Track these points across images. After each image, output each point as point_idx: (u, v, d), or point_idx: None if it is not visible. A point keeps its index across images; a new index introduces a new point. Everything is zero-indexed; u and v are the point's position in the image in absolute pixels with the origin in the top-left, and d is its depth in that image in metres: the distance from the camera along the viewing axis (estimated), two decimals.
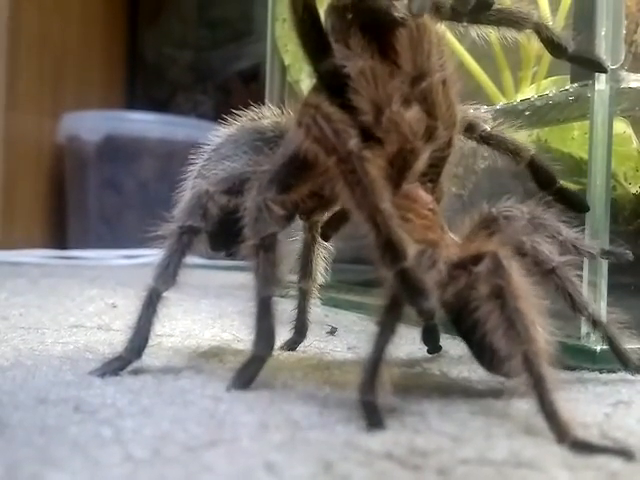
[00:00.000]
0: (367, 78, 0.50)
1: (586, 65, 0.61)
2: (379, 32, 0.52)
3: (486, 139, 0.61)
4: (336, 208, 0.58)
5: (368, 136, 0.50)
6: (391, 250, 0.44)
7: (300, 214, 0.58)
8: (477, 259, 0.47)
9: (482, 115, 0.60)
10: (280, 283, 0.52)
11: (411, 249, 0.45)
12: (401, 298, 0.44)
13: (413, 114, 0.50)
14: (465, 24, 0.56)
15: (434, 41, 0.51)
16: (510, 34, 0.57)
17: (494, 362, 0.49)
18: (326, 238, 0.62)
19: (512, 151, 0.61)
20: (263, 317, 0.51)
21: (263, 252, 0.51)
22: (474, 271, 0.47)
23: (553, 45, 0.58)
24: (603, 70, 0.61)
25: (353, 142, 0.46)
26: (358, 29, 0.52)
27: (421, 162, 0.52)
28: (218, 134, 0.60)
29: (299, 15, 0.51)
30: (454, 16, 0.54)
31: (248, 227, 0.52)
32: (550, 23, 0.57)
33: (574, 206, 0.62)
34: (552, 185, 0.61)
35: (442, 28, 0.54)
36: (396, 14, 0.52)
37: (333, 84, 0.52)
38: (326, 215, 0.60)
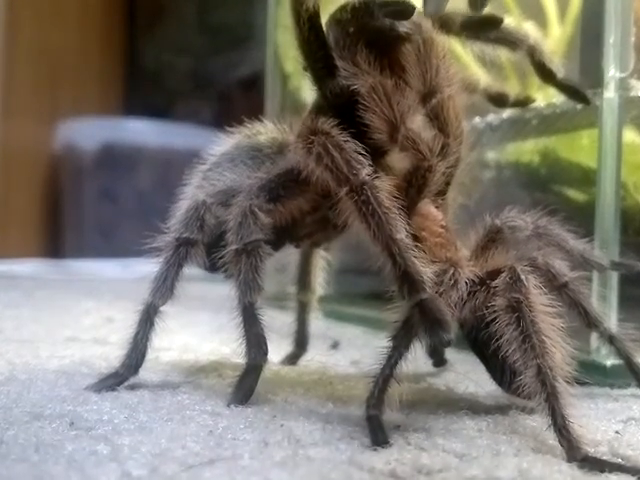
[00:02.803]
0: (379, 95, 0.50)
1: (571, 94, 0.62)
2: (385, 48, 0.52)
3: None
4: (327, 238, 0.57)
5: (380, 155, 0.50)
6: (409, 282, 0.44)
7: (290, 239, 0.57)
8: (495, 274, 0.48)
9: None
10: (262, 290, 0.51)
11: (429, 272, 0.45)
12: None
13: (428, 131, 0.50)
14: (464, 40, 0.56)
15: (441, 55, 0.51)
16: (504, 53, 0.57)
17: (507, 380, 0.49)
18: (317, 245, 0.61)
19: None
20: (249, 325, 0.51)
21: (245, 257, 0.50)
22: (492, 285, 0.48)
23: (544, 70, 0.59)
24: (587, 102, 0.62)
25: (365, 172, 0.46)
26: (363, 44, 0.52)
27: (437, 179, 0.51)
28: (213, 152, 0.59)
29: (305, 36, 0.51)
30: (456, 32, 0.54)
31: (232, 231, 0.51)
32: (544, 47, 0.58)
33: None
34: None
35: (447, 39, 0.54)
36: (401, 29, 0.52)
37: (339, 105, 0.52)
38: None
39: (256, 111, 0.62)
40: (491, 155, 0.84)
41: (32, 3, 2.29)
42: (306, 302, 0.68)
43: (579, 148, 0.73)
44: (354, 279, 0.94)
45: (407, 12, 0.49)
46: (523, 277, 0.46)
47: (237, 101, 2.45)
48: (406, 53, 0.51)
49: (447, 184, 0.54)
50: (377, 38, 0.52)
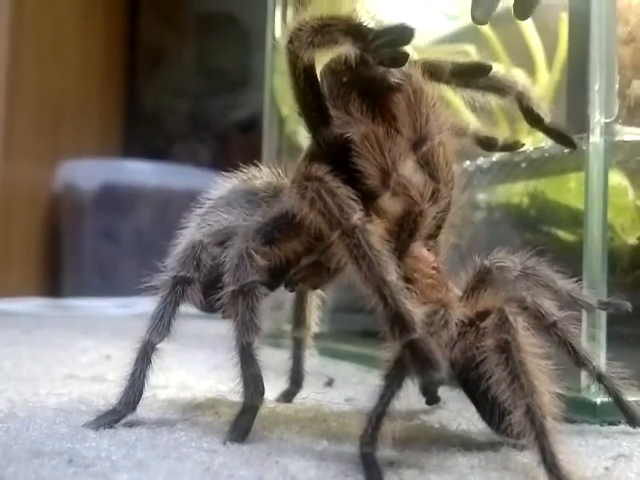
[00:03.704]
0: (372, 143, 0.51)
1: (558, 139, 0.62)
2: (377, 97, 0.54)
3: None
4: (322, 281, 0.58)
5: (372, 199, 0.51)
6: (400, 322, 0.44)
7: (286, 283, 0.58)
8: (484, 315, 0.49)
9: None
10: (260, 330, 0.52)
11: (420, 313, 0.45)
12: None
13: (419, 177, 0.51)
14: (454, 87, 0.57)
15: (431, 104, 0.52)
16: (493, 99, 0.59)
17: (497, 420, 0.50)
18: (315, 287, 0.61)
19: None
20: (246, 365, 0.51)
21: (242, 299, 0.51)
22: (481, 326, 0.49)
23: (532, 115, 0.60)
24: (573, 147, 0.63)
25: (357, 216, 0.47)
26: (356, 94, 0.54)
27: (428, 223, 0.52)
28: (210, 196, 0.60)
29: (300, 86, 0.52)
30: (446, 80, 0.56)
31: (228, 273, 0.52)
32: (532, 93, 0.59)
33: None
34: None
35: (438, 87, 0.55)
36: (392, 79, 0.53)
37: (333, 152, 0.53)
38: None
39: (253, 153, 0.63)
40: (482, 197, 0.85)
41: (34, 45, 2.31)
42: (301, 339, 0.68)
43: (567, 190, 0.73)
44: (348, 317, 0.94)
45: (401, 59, 0.50)
46: (511, 318, 0.46)
47: (235, 143, 2.47)
48: (397, 102, 0.52)
49: (438, 227, 0.55)
50: (369, 88, 0.54)
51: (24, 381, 0.77)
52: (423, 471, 0.46)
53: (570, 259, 0.63)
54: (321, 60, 0.53)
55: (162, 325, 0.55)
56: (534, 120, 0.60)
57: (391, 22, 0.48)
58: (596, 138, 0.64)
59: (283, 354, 0.70)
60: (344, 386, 0.80)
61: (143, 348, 0.55)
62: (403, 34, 0.47)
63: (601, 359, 0.60)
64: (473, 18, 0.65)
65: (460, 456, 0.50)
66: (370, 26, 0.48)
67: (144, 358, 0.55)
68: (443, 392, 0.57)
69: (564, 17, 0.73)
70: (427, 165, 0.52)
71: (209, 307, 0.56)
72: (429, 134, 0.51)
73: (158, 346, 0.55)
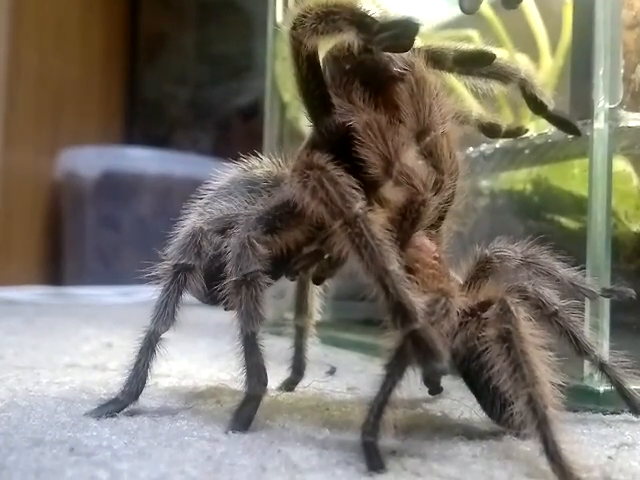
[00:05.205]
0: (374, 131, 0.51)
1: (562, 126, 0.63)
2: (379, 86, 0.53)
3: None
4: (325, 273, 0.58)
5: (374, 188, 0.51)
6: (401, 312, 0.44)
7: (287, 272, 0.58)
8: (486, 305, 0.49)
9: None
10: (264, 320, 0.52)
11: (421, 302, 0.45)
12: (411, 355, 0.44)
13: (422, 166, 0.51)
14: (457, 75, 0.57)
15: (434, 94, 0.52)
16: (496, 86, 0.58)
17: (498, 411, 0.50)
18: (318, 281, 0.61)
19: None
20: (250, 354, 0.51)
21: (245, 288, 0.51)
22: (483, 316, 0.49)
23: (535, 102, 0.60)
24: (577, 134, 0.63)
25: (359, 205, 0.47)
26: (359, 82, 0.53)
27: (430, 214, 0.52)
28: (210, 186, 0.60)
29: (303, 74, 0.52)
30: (449, 67, 0.55)
31: (231, 263, 0.52)
32: (536, 80, 0.59)
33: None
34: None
35: (441, 74, 0.55)
36: (395, 68, 0.53)
37: (335, 140, 0.53)
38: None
39: (255, 140, 0.63)
40: (485, 183, 0.85)
41: (34, 33, 2.31)
42: (303, 328, 0.68)
43: (570, 177, 0.73)
44: (350, 305, 0.94)
45: (404, 46, 0.49)
46: (513, 308, 0.47)
47: (236, 129, 2.47)
48: (400, 92, 0.52)
49: (441, 218, 0.55)
50: (372, 76, 0.53)
51: (25, 370, 0.77)
52: (425, 460, 0.46)
53: (574, 246, 0.63)
54: (323, 47, 0.53)
55: (167, 314, 0.55)
56: (537, 107, 0.60)
57: (397, 15, 0.48)
58: (600, 124, 0.64)
59: (285, 342, 0.70)
60: (346, 375, 0.80)
61: (148, 338, 0.55)
62: (408, 28, 0.47)
63: (604, 347, 0.60)
64: (461, 8, 0.64)
65: (462, 445, 0.50)
66: (375, 17, 0.48)
67: (149, 348, 0.55)
68: (445, 381, 0.58)
69: (568, 1, 0.73)
70: (430, 156, 0.51)
71: (212, 299, 0.56)
72: (432, 125, 0.51)
73: (163, 336, 0.55)
